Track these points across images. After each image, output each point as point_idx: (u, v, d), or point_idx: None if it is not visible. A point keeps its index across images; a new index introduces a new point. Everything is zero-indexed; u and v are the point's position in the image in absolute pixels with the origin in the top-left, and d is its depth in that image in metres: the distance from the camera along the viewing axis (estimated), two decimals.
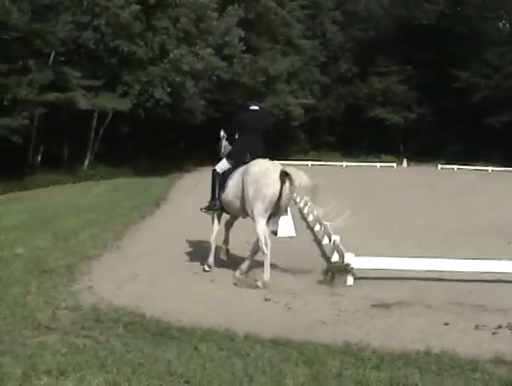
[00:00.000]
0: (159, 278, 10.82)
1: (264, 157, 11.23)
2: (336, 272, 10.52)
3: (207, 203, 11.93)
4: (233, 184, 11.35)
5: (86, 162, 47.88)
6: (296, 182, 10.66)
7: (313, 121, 68.38)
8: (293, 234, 15.97)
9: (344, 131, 70.12)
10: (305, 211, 20.05)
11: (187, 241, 14.55)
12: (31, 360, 6.56)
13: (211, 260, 11.77)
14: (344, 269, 10.51)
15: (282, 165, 11.10)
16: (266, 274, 10.57)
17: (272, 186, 10.67)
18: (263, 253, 10.67)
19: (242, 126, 11.77)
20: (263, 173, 10.77)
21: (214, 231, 11.97)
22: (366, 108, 67.89)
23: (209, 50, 48.37)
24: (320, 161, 58.94)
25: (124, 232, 15.80)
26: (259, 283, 10.47)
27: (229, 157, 11.87)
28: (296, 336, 7.66)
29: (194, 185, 29.21)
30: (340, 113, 70.84)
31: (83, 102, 43.29)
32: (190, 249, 13.76)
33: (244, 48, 51.78)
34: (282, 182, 10.68)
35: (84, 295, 9.46)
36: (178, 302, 9.27)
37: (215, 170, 11.84)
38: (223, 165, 11.86)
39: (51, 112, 42.80)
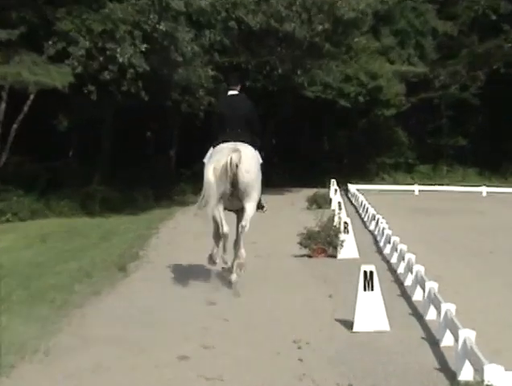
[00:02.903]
0: None
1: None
2: None
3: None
4: None
5: None
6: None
7: (423, 106, 59.01)
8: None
9: (482, 126, 60.26)
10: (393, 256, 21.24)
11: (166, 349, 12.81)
12: None
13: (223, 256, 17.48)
14: None
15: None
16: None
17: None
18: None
19: (221, 119, 16.88)
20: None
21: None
22: None
23: None
24: (435, 185, 55.19)
25: (57, 324, 14.31)
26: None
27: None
28: None
29: (200, 226, 24.88)
30: (474, 92, 59.91)
31: None
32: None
33: None
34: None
35: None
36: None
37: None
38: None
39: None
